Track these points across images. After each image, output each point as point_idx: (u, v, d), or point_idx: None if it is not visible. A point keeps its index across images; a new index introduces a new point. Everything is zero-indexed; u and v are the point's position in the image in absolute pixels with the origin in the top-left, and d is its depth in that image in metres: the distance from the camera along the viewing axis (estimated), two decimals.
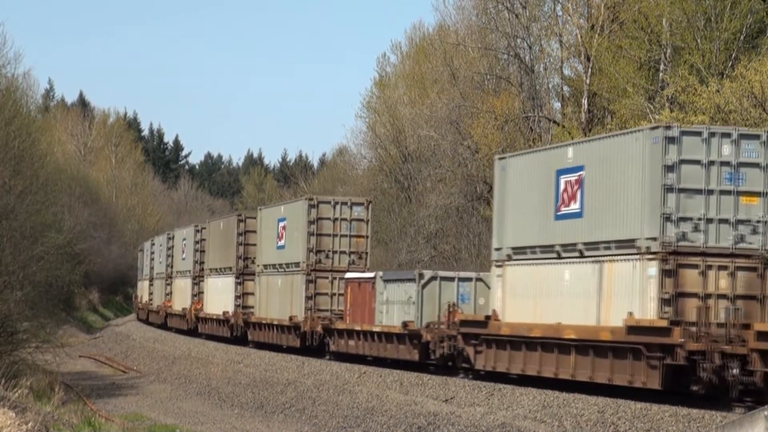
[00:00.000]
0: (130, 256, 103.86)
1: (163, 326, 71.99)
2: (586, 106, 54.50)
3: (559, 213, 30.64)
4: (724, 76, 43.25)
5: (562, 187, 30.55)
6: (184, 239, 66.44)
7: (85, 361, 57.89)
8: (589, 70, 53.45)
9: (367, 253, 46.00)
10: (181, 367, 49.81)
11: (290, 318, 46.25)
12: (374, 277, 40.44)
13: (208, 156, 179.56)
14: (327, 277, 45.56)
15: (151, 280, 79.79)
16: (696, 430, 23.01)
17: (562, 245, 30.30)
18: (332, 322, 43.45)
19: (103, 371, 53.17)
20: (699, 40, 45.01)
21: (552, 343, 30.23)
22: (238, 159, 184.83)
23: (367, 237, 46.02)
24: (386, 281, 39.68)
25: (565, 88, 59.72)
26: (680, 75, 43.54)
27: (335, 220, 45.77)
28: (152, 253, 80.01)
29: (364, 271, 44.01)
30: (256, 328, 51.72)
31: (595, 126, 53.03)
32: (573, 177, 30.10)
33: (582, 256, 29.50)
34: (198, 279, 62.43)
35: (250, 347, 51.49)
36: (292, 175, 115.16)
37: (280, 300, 48.36)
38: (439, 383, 33.04)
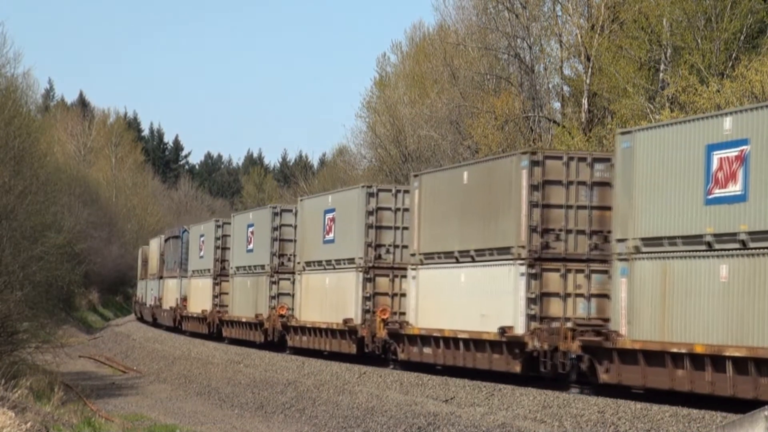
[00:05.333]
0: (130, 256, 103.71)
1: (275, 346, 48.02)
2: (586, 106, 54.50)
3: None
4: (725, 76, 43.26)
5: None
6: (330, 211, 42.99)
7: (85, 361, 57.89)
8: (589, 70, 53.45)
9: None
10: (181, 367, 49.79)
11: None
12: None
13: (208, 156, 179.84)
14: None
15: (218, 277, 58.06)
16: (696, 430, 22.98)
17: None
18: None
19: (103, 371, 53.16)
20: (699, 40, 45.01)
21: None
22: (238, 159, 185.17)
23: None
24: None
25: (565, 88, 59.75)
26: (680, 75, 43.56)
27: None
28: (218, 239, 58.18)
29: None
30: (625, 359, 26.85)
31: (596, 126, 53.02)
32: None
33: None
34: (374, 272, 39.78)
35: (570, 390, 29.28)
36: (292, 175, 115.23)
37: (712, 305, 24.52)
38: (439, 383, 33.04)
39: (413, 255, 35.88)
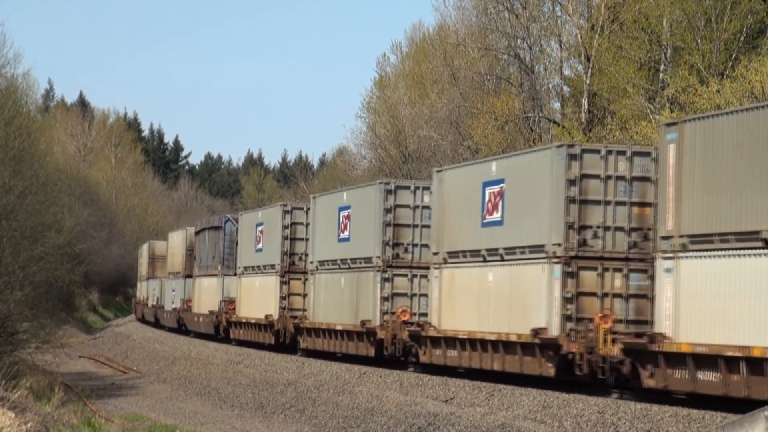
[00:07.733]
0: (130, 257, 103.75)
1: (387, 362, 40.33)
2: (586, 107, 54.52)
3: None
4: (725, 76, 43.28)
5: None
6: (493, 183, 33.60)
7: (85, 361, 57.89)
8: (589, 70, 53.47)
9: None
10: (181, 367, 49.78)
11: None
12: None
13: (208, 156, 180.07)
14: None
15: (287, 274, 48.78)
16: (696, 430, 22.99)
17: None
18: None
19: (103, 371, 53.15)
20: (699, 41, 45.03)
21: None
22: (238, 159, 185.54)
23: None
24: None
25: (565, 88, 59.80)
26: (680, 75, 43.59)
27: None
28: (286, 228, 48.74)
29: None
30: None
31: (596, 126, 53.07)
32: None
33: None
34: (577, 264, 29.80)
35: None
36: (292, 176, 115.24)
37: None
38: (439, 383, 33.04)
39: (667, 238, 26.48)
